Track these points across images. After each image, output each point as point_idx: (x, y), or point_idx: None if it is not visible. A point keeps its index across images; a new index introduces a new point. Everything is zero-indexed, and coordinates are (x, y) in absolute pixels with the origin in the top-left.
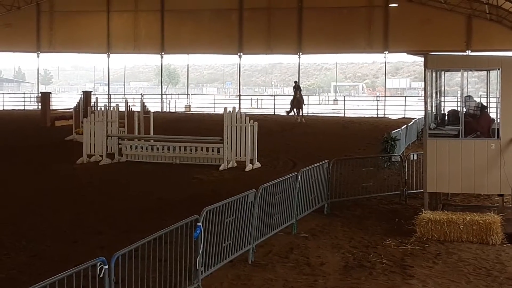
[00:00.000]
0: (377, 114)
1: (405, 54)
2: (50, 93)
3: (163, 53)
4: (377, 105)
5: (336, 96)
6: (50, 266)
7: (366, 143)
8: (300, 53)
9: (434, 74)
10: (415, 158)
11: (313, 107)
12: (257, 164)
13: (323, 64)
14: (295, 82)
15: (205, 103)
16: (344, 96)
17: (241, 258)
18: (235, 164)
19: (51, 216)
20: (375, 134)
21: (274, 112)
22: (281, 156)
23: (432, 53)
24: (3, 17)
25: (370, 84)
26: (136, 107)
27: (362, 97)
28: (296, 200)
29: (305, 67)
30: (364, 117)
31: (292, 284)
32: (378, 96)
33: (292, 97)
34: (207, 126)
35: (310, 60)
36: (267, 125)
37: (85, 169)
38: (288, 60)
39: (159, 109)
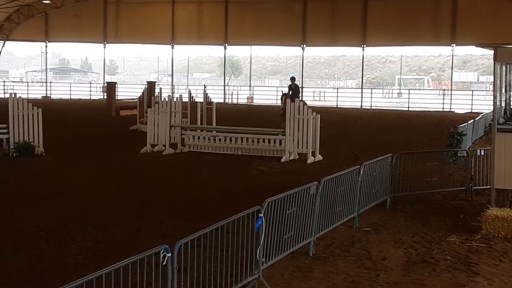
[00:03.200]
0: (443, 108)
1: (473, 47)
2: (115, 83)
3: (226, 45)
4: (443, 99)
5: (400, 89)
6: (114, 253)
7: (430, 138)
8: (364, 46)
9: (504, 68)
10: (482, 153)
11: (376, 100)
12: (319, 157)
13: (387, 57)
14: (292, 78)
15: (267, 95)
16: (409, 89)
17: (302, 250)
18: (297, 156)
19: (116, 204)
20: (440, 128)
21: (337, 105)
22: (343, 149)
23: (502, 46)
24: (72, 8)
25: (435, 77)
26: (199, 98)
27: (427, 90)
28: (358, 193)
29: (368, 60)
30: (429, 111)
31: (353, 277)
32: (444, 89)
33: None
34: (269, 118)
35: (374, 52)
36: (329, 117)
37: (148, 158)
38: (351, 53)
39: (222, 100)
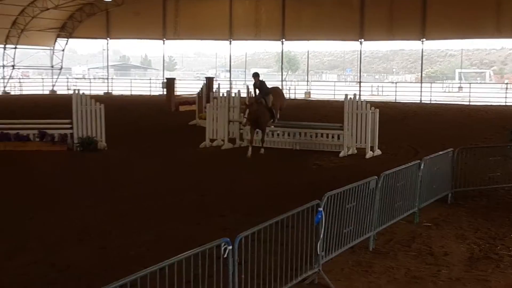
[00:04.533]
0: (505, 102)
1: None
2: (174, 79)
3: (283, 40)
4: (506, 93)
5: (460, 83)
6: (175, 246)
7: (493, 132)
8: (424, 39)
9: None
10: None
11: (436, 94)
12: (378, 152)
13: (447, 51)
14: (255, 75)
15: (324, 89)
16: (470, 83)
17: (362, 245)
18: (355, 151)
19: (176, 197)
20: (502, 123)
21: (396, 100)
22: (402, 144)
23: None
24: (132, 6)
25: (497, 71)
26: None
27: (489, 84)
28: (419, 188)
29: (428, 54)
30: (491, 105)
31: (414, 273)
32: (506, 83)
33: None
34: (327, 113)
35: (433, 46)
36: (388, 112)
37: (207, 153)
38: (410, 46)
39: None
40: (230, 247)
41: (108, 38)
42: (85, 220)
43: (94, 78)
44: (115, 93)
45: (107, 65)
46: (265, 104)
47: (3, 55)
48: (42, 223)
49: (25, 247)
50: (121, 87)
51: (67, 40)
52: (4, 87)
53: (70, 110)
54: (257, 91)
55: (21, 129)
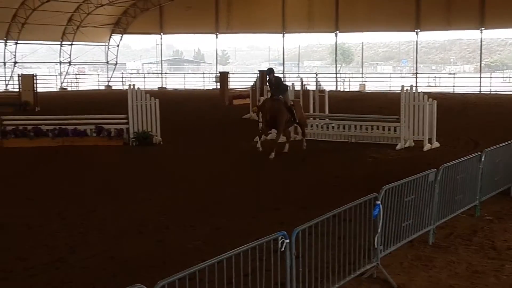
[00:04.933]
0: None
1: None
2: (228, 72)
3: (337, 32)
4: None
5: None
6: (231, 239)
7: None
8: (483, 28)
9: None
10: None
11: (496, 85)
12: (436, 144)
13: (508, 39)
14: (270, 71)
15: (379, 81)
16: None
17: (421, 239)
18: (413, 144)
19: (232, 191)
20: None
21: (454, 91)
22: (461, 136)
23: None
24: (185, 0)
25: None
26: (311, 86)
27: None
28: (480, 181)
29: (487, 43)
30: None
31: (476, 267)
32: None
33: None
34: (382, 105)
35: (492, 35)
36: (446, 103)
37: (262, 146)
38: (468, 36)
39: (333, 88)
40: (287, 241)
41: (161, 33)
42: (143, 214)
43: (148, 73)
44: (168, 87)
45: (161, 60)
46: (283, 101)
47: (60, 52)
48: (102, 216)
49: (86, 240)
50: (175, 82)
51: (122, 36)
52: (61, 83)
53: (126, 105)
54: (273, 87)
55: (78, 125)
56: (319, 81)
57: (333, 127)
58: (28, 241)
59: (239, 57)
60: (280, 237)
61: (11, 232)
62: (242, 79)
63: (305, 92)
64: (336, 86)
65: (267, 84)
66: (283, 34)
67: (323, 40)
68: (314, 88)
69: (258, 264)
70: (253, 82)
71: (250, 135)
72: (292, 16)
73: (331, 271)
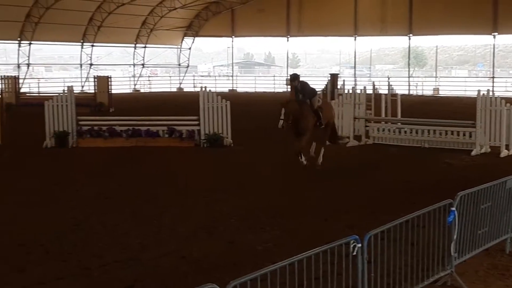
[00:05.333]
0: None
1: None
2: (298, 76)
3: (410, 35)
4: None
5: None
6: (301, 242)
7: None
8: None
9: None
10: None
11: None
12: None
13: None
14: (294, 77)
15: (454, 86)
16: None
17: (497, 247)
18: (489, 150)
19: (302, 194)
20: None
21: None
22: None
23: None
24: (256, 3)
25: None
26: (383, 90)
27: None
28: None
29: None
30: None
31: None
32: None
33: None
34: (456, 110)
35: None
36: None
37: (332, 150)
38: None
39: (406, 92)
40: (359, 245)
41: (233, 36)
42: (213, 215)
43: (219, 76)
44: (239, 90)
45: (232, 63)
46: (309, 105)
47: (134, 54)
48: (173, 216)
49: (158, 240)
50: (245, 84)
51: (194, 39)
52: (135, 84)
53: (197, 107)
54: (300, 95)
55: (151, 126)
56: (391, 85)
57: (405, 132)
58: (103, 239)
59: (309, 60)
60: (352, 241)
61: (87, 230)
62: (313, 83)
63: (377, 96)
64: (409, 90)
65: (294, 91)
66: (355, 37)
67: (396, 43)
68: (386, 92)
69: (330, 268)
70: (324, 86)
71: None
72: (364, 19)
73: (404, 277)
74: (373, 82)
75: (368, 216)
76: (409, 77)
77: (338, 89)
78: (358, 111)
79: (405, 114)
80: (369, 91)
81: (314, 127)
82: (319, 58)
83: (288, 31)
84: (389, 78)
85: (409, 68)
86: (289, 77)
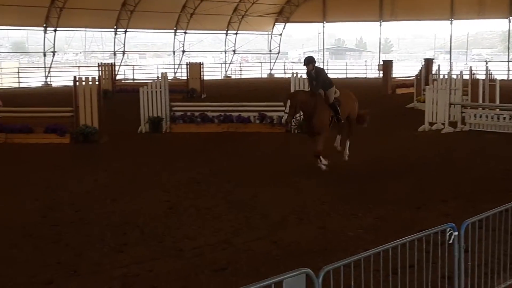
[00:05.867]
0: None
1: None
2: (391, 61)
3: (510, 18)
4: None
5: None
6: (394, 229)
7: None
8: None
9: None
10: None
11: None
12: None
13: None
14: (309, 60)
15: None
16: None
17: None
18: None
19: (394, 181)
20: None
21: None
22: None
23: None
24: None
25: None
26: (480, 75)
27: None
28: None
29: None
30: None
31: None
32: None
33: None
34: None
35: None
36: None
37: (426, 137)
38: None
39: (505, 77)
40: (456, 233)
41: (324, 22)
42: (304, 200)
43: None
44: (330, 76)
45: (323, 49)
46: (324, 98)
47: (225, 41)
48: (264, 201)
49: (250, 224)
50: (336, 70)
51: (284, 25)
52: (226, 71)
53: (288, 93)
54: (314, 82)
55: (242, 111)
56: (489, 70)
57: (504, 118)
58: (196, 222)
59: (402, 45)
60: (448, 229)
61: (180, 213)
62: (406, 68)
63: (474, 81)
64: (508, 75)
65: (307, 77)
66: (451, 20)
67: (495, 26)
68: (483, 77)
69: (425, 256)
70: (418, 71)
71: (414, 124)
72: (461, 2)
73: (502, 268)
74: (470, 67)
75: (464, 205)
76: (508, 61)
77: (432, 74)
78: (454, 97)
79: (504, 100)
80: (466, 77)
81: (332, 123)
82: (413, 43)
83: (381, 16)
84: (487, 63)
85: (508, 52)
86: (304, 59)
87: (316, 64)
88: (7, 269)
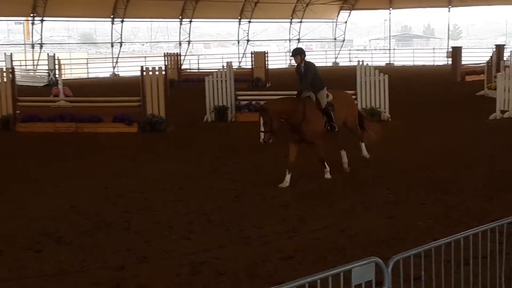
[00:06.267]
0: None
1: None
2: (460, 47)
3: None
4: None
5: None
6: (465, 219)
7: None
8: None
9: None
10: None
11: None
12: None
13: None
14: (297, 51)
15: None
16: None
17: None
18: None
19: (464, 171)
20: None
21: None
22: None
23: None
24: None
25: None
26: None
27: None
28: None
29: None
30: None
31: None
32: None
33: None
34: None
35: None
36: None
37: (497, 125)
38: None
39: None
40: None
41: (390, 9)
42: (371, 189)
43: (375, 49)
44: (396, 64)
45: (389, 36)
46: (315, 102)
47: (290, 29)
48: (330, 190)
49: (316, 213)
50: (403, 58)
51: (350, 12)
52: (290, 60)
53: (353, 81)
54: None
55: None
56: None
57: None
58: (262, 211)
59: (472, 31)
60: None
61: (247, 201)
62: (476, 55)
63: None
64: None
65: (296, 72)
66: None
67: None
68: None
69: (498, 247)
70: (489, 58)
71: (484, 112)
72: None
73: None
74: None
75: None
76: None
77: (504, 61)
78: None
79: None
80: None
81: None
82: (483, 28)
83: (449, 1)
84: None
85: None
86: (292, 50)
87: (314, 60)
88: (80, 255)
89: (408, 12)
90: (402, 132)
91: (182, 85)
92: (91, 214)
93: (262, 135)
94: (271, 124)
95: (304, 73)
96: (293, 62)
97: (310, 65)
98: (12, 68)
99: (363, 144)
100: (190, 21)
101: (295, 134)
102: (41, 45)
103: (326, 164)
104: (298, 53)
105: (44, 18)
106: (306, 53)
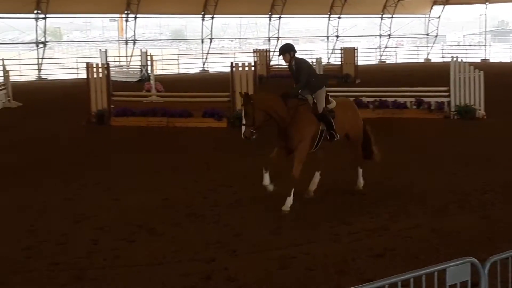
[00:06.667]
0: None
1: None
2: None
3: None
4: None
5: None
6: None
7: None
8: None
9: None
10: None
11: None
12: None
13: None
14: (285, 48)
15: None
16: None
17: None
18: None
19: None
20: None
21: None
22: None
23: None
24: None
25: None
26: None
27: None
28: None
29: None
30: None
31: None
32: None
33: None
34: None
35: None
36: None
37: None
38: None
39: None
40: None
41: (486, 3)
42: (465, 188)
43: (470, 45)
44: (492, 60)
45: (485, 31)
46: (311, 105)
47: (380, 25)
48: (422, 188)
49: (407, 211)
50: (500, 54)
51: (443, 7)
52: (381, 56)
53: (445, 78)
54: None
55: (398, 97)
56: None
57: None
58: (352, 207)
59: None
60: None
61: (336, 197)
62: None
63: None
64: None
65: (290, 71)
66: None
67: None
68: None
69: None
70: None
71: None
72: None
73: None
74: None
75: None
76: None
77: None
78: None
79: None
80: None
81: (320, 141)
82: None
83: None
84: None
85: None
86: (280, 47)
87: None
88: (171, 246)
89: (505, 6)
90: (498, 131)
91: (270, 81)
92: (182, 206)
93: (243, 128)
94: (253, 117)
95: (296, 74)
96: (383, 58)
97: (302, 63)
98: (107, 64)
99: (360, 170)
100: (279, 17)
101: (281, 139)
102: (134, 41)
103: (293, 189)
104: (287, 51)
105: (137, 15)
106: (398, 49)
